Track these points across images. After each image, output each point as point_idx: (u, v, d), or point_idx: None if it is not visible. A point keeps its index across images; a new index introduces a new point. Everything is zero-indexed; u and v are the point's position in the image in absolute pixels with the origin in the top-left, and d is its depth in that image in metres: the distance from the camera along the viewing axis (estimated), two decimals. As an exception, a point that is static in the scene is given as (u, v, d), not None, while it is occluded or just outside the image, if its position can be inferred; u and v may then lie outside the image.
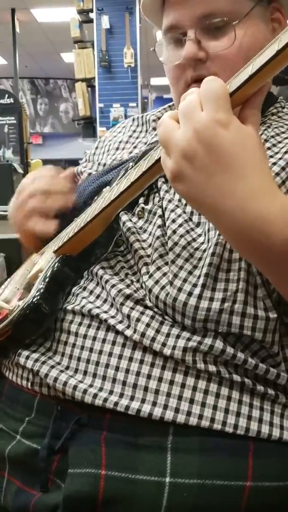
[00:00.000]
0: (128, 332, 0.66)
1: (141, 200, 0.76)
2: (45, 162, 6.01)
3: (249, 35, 0.74)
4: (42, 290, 0.73)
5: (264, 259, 0.57)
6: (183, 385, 0.64)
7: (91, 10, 5.93)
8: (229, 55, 0.73)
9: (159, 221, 0.71)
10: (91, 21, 6.01)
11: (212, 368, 0.64)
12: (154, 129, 0.88)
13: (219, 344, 0.64)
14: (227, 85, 0.54)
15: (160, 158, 0.59)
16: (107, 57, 5.83)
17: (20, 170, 4.80)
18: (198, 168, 0.53)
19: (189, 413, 0.63)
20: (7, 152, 5.80)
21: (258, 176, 0.53)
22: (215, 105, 0.52)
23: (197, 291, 0.64)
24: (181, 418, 0.63)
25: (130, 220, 0.74)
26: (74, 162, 0.99)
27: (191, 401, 0.63)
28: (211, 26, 0.74)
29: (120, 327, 0.67)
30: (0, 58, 9.97)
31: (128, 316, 0.67)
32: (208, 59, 0.75)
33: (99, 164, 0.93)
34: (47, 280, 0.74)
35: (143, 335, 0.65)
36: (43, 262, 0.80)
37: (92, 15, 5.94)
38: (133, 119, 0.96)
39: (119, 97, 5.93)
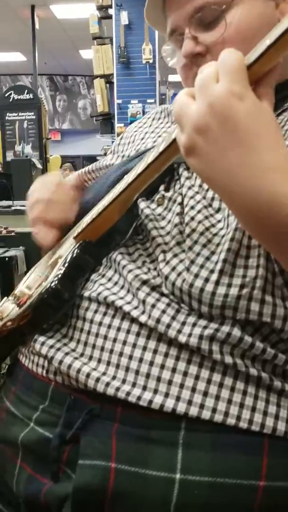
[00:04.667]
0: (143, 318, 0.65)
1: (162, 187, 0.75)
2: (64, 158, 6.04)
3: (240, 17, 0.72)
4: (60, 275, 0.73)
5: (275, 241, 0.55)
6: (197, 377, 0.62)
7: (110, 6, 5.94)
8: (225, 43, 0.72)
9: (178, 209, 0.70)
10: (110, 17, 6.02)
11: (228, 359, 0.62)
12: None
13: (237, 332, 0.62)
14: (245, 59, 0.52)
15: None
16: (125, 53, 5.84)
17: (39, 165, 4.83)
18: (212, 141, 0.51)
19: (202, 406, 0.61)
20: (26, 147, 5.85)
21: (273, 153, 0.51)
22: (231, 77, 0.51)
23: (214, 277, 0.63)
24: (193, 410, 0.61)
25: (149, 207, 0.73)
26: (92, 159, 0.99)
27: (205, 393, 0.62)
28: (203, 19, 0.74)
29: (135, 313, 0.66)
30: (20, 55, 10.03)
31: (144, 302, 0.66)
32: (208, 53, 0.74)
33: (123, 156, 0.92)
34: (66, 265, 0.74)
35: (158, 321, 0.64)
36: (63, 249, 0.80)
37: (111, 11, 5.95)
38: (161, 111, 0.96)
39: (137, 93, 5.92)
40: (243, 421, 0.61)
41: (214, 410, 0.61)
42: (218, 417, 0.61)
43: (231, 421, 0.61)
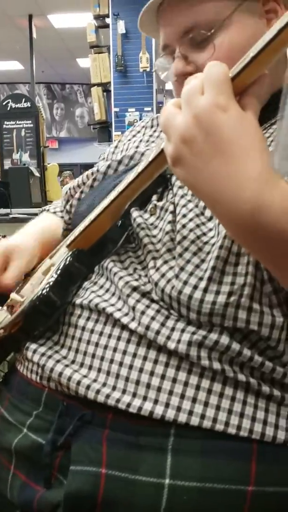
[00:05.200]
0: (133, 325, 0.66)
1: (154, 197, 0.76)
2: (61, 166, 6.05)
3: (231, 39, 0.73)
4: (51, 283, 0.74)
5: (260, 248, 0.56)
6: (186, 384, 0.63)
7: (107, 16, 5.97)
8: None
9: (170, 217, 0.71)
10: (107, 26, 6.05)
11: (216, 365, 0.63)
12: None
13: (224, 340, 0.63)
14: (229, 71, 0.53)
15: None
16: (122, 61, 5.86)
17: (37, 174, 4.84)
18: (196, 152, 0.52)
19: (191, 413, 0.62)
20: (24, 155, 5.86)
21: (257, 163, 0.51)
22: (216, 89, 0.52)
23: (202, 284, 0.63)
24: (182, 417, 0.62)
25: (141, 217, 0.74)
26: (90, 167, 0.99)
27: (194, 400, 0.62)
28: (194, 39, 0.75)
29: (125, 319, 0.67)
30: (17, 64, 10.07)
31: (134, 308, 0.67)
32: (197, 71, 0.74)
33: (115, 161, 0.91)
34: (58, 272, 0.75)
35: (147, 327, 0.65)
36: (56, 257, 0.81)
37: (108, 20, 5.98)
38: (153, 119, 0.97)
39: (134, 101, 5.95)
40: (231, 427, 0.62)
41: (202, 417, 0.62)
42: (207, 423, 0.62)
43: (219, 427, 0.61)
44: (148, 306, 0.67)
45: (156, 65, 0.83)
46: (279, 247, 0.54)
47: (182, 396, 0.63)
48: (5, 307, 0.85)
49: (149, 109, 5.93)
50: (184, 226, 0.68)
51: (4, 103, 6.03)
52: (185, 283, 0.64)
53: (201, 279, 0.64)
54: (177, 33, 0.76)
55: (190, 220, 0.68)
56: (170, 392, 0.63)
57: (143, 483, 0.61)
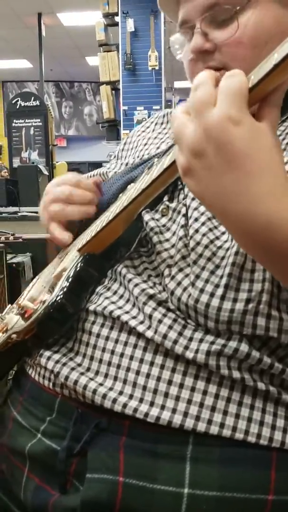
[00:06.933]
0: (149, 333, 0.65)
1: (166, 197, 0.74)
2: (70, 164, 6.06)
3: (255, 20, 0.70)
4: (65, 289, 0.73)
5: (272, 262, 0.55)
6: (204, 392, 0.62)
7: (116, 14, 5.98)
8: (234, 44, 0.71)
9: (183, 220, 0.69)
10: (116, 24, 6.06)
11: (236, 374, 0.62)
12: None
13: (244, 348, 0.62)
14: (248, 79, 0.50)
15: None
16: (131, 60, 5.87)
17: (46, 172, 4.85)
18: (207, 166, 0.51)
19: (210, 421, 0.61)
20: (33, 154, 5.87)
21: (269, 178, 0.50)
22: (229, 101, 0.49)
23: (219, 291, 0.62)
24: (201, 426, 0.61)
25: (153, 219, 0.72)
26: (98, 165, 0.99)
27: (213, 409, 0.61)
28: (216, 16, 0.72)
29: (141, 328, 0.66)
30: (26, 62, 10.09)
31: (150, 317, 0.66)
32: (216, 50, 0.73)
33: (126, 163, 0.92)
34: (70, 279, 0.74)
35: (165, 337, 0.64)
36: (67, 260, 0.80)
37: (117, 19, 5.98)
38: (163, 115, 0.95)
39: (143, 100, 5.95)
40: (251, 436, 0.61)
41: (222, 425, 0.61)
42: (226, 432, 0.61)
43: (239, 435, 0.61)
44: (165, 315, 0.66)
45: (172, 41, 0.80)
46: None
47: (201, 405, 0.62)
48: (15, 309, 0.84)
49: (158, 107, 5.92)
50: (197, 230, 0.66)
51: (13, 102, 6.06)
52: (202, 290, 0.63)
53: (217, 286, 0.63)
54: (199, 8, 0.73)
55: (203, 224, 0.67)
56: (189, 401, 0.62)
57: (162, 492, 0.60)
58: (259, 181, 0.49)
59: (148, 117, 5.82)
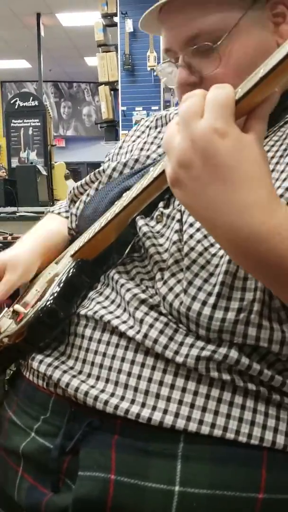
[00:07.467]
0: (139, 338, 0.65)
1: (161, 204, 0.75)
2: (68, 164, 6.05)
3: (237, 49, 0.70)
4: (55, 294, 0.74)
5: (259, 271, 0.56)
6: (195, 393, 0.63)
7: (115, 14, 5.98)
8: (220, 75, 0.71)
9: (177, 226, 0.70)
10: (115, 25, 6.06)
11: (226, 376, 0.62)
12: None
13: (234, 354, 0.62)
14: (235, 92, 0.51)
15: None
16: (130, 60, 5.87)
17: (44, 172, 4.84)
18: (194, 177, 0.51)
19: (201, 422, 0.62)
20: (31, 154, 5.87)
21: (255, 190, 0.50)
22: (216, 113, 0.50)
23: (211, 300, 0.62)
24: (192, 426, 0.62)
25: (147, 225, 0.73)
26: (96, 165, 0.98)
27: (204, 409, 0.62)
28: (199, 48, 0.72)
29: (130, 332, 0.66)
30: (25, 62, 10.09)
31: (141, 321, 0.66)
32: (202, 81, 0.73)
33: (121, 163, 0.90)
34: (61, 284, 0.75)
35: (155, 341, 0.65)
36: (60, 266, 0.81)
37: (116, 19, 5.99)
38: (157, 119, 0.95)
39: (141, 100, 5.95)
40: (242, 435, 0.61)
41: (213, 426, 0.62)
42: (217, 432, 0.61)
43: (230, 435, 0.61)
44: (156, 319, 0.66)
45: (158, 70, 0.81)
46: (280, 274, 0.53)
47: (192, 406, 0.62)
48: (10, 312, 0.85)
49: (157, 107, 5.93)
50: (191, 236, 0.67)
51: (12, 102, 6.05)
52: (194, 298, 0.64)
53: (210, 294, 0.63)
54: (180, 39, 0.73)
55: (197, 230, 0.67)
56: (180, 402, 0.63)
57: (153, 489, 0.61)
58: (244, 192, 0.50)
59: (147, 117, 5.84)
